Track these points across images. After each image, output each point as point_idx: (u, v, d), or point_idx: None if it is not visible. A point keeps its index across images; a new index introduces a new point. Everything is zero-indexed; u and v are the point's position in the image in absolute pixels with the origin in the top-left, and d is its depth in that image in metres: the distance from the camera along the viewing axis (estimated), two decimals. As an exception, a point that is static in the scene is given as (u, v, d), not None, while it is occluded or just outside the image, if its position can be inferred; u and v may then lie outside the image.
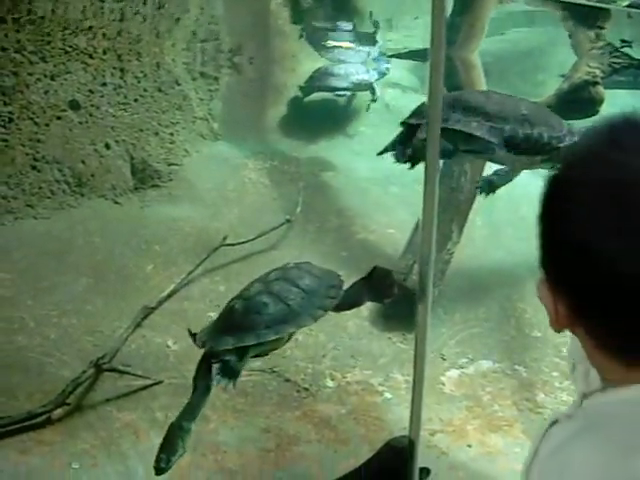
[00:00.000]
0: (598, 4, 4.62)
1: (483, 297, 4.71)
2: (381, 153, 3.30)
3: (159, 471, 2.47)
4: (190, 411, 2.62)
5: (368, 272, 2.99)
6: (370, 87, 6.95)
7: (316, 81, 6.89)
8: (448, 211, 4.39)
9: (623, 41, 4.69)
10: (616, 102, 7.74)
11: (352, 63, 7.08)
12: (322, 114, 6.88)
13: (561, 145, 2.95)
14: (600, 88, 4.70)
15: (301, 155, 6.19)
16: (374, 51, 7.15)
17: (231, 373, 2.65)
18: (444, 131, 2.94)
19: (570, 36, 5.00)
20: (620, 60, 4.91)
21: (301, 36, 7.04)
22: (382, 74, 7.11)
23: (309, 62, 7.29)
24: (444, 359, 4.26)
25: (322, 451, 3.57)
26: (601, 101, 4.66)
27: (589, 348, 1.08)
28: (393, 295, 3.02)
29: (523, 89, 6.96)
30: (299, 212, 5.32)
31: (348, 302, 3.00)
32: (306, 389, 3.93)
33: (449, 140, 2.95)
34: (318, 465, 3.46)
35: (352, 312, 4.55)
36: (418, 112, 3.15)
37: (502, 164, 3.40)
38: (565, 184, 1.02)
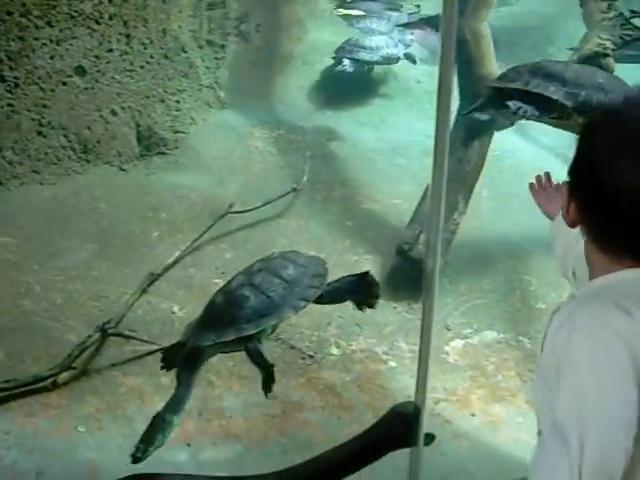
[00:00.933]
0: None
1: (488, 268, 4.70)
2: (469, 113, 3.84)
3: (135, 460, 2.48)
4: (174, 404, 2.61)
5: (359, 274, 2.97)
6: (397, 59, 6.92)
7: (346, 53, 6.80)
8: (454, 182, 4.37)
9: (633, 11, 4.62)
10: (626, 75, 7.71)
11: (381, 35, 6.98)
12: (350, 84, 6.84)
13: None
14: (610, 60, 4.64)
15: (307, 124, 6.16)
16: (400, 21, 7.06)
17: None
18: (525, 94, 3.29)
19: (581, 6, 4.95)
20: (631, 32, 4.85)
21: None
22: (407, 45, 7.02)
23: (316, 30, 7.24)
24: (448, 329, 4.27)
25: (326, 417, 3.60)
26: (611, 72, 4.61)
27: (588, 246, 1.39)
28: (373, 306, 3.03)
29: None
30: (305, 181, 5.30)
31: (331, 296, 2.97)
32: (311, 356, 3.94)
33: (528, 103, 3.31)
34: (322, 431, 3.49)
35: (358, 281, 4.59)
36: (503, 76, 3.61)
37: (573, 132, 3.57)
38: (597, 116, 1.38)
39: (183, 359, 2.68)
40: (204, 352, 2.68)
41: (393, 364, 3.98)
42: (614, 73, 4.65)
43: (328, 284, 2.89)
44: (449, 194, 4.40)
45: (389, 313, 4.33)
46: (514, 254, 4.88)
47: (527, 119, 3.61)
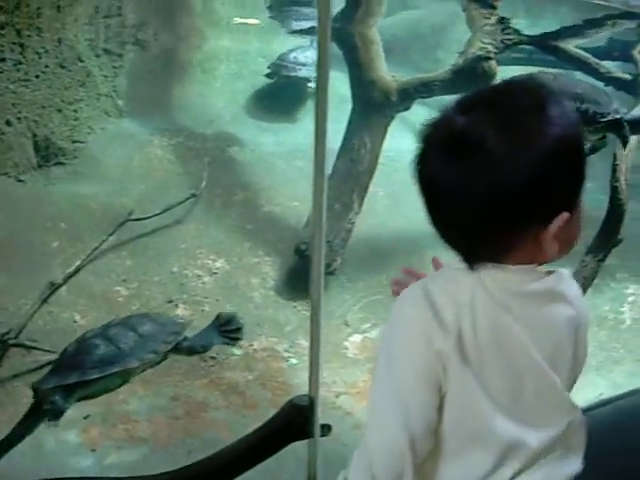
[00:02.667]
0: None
1: (385, 264, 4.87)
2: None
3: None
4: (6, 442, 2.72)
5: (214, 318, 3.25)
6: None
7: (282, 70, 6.73)
8: (349, 182, 4.54)
9: (502, 19, 4.87)
10: (510, 74, 8.06)
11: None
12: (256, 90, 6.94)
13: (604, 119, 3.69)
14: (493, 63, 4.86)
15: (207, 131, 6.23)
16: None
17: (54, 412, 2.77)
18: None
19: (465, 12, 5.17)
20: (512, 36, 5.10)
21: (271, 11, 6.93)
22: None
23: (215, 38, 7.30)
24: (348, 325, 4.43)
25: (230, 416, 3.69)
26: (493, 75, 4.84)
27: None
28: (240, 337, 3.26)
29: (424, 66, 7.14)
30: (204, 187, 5.37)
31: (199, 345, 3.16)
32: (213, 358, 4.02)
33: None
34: (226, 430, 3.57)
35: (258, 282, 4.71)
36: None
37: None
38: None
39: (32, 404, 2.78)
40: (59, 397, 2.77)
41: (294, 361, 4.10)
42: (495, 76, 4.90)
43: (190, 337, 3.07)
44: (344, 194, 4.57)
45: (289, 312, 4.46)
46: (410, 250, 5.05)
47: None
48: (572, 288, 1.34)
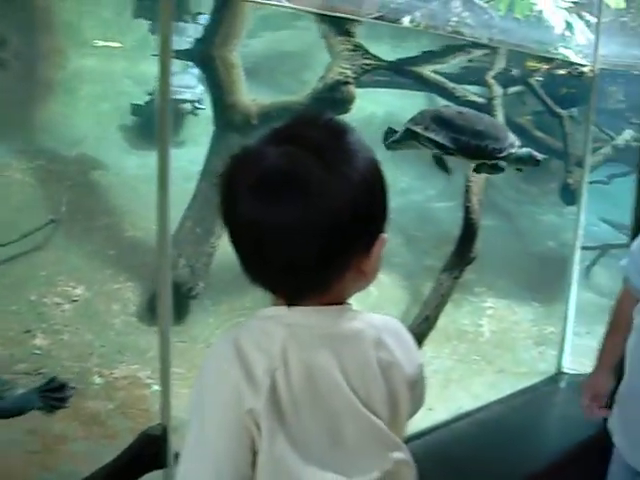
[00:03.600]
0: (343, 14, 4.92)
1: (248, 287, 4.86)
2: (389, 146, 4.26)
3: None
4: None
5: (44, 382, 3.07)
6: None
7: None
8: (210, 206, 4.54)
9: (359, 45, 5.02)
10: (377, 98, 8.30)
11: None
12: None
13: (501, 154, 4.04)
14: (351, 87, 4.99)
15: (70, 153, 6.09)
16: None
17: None
18: (424, 137, 4.04)
19: (324, 38, 5.29)
20: (370, 62, 5.25)
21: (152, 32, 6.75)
22: None
23: (79, 58, 7.15)
24: (211, 348, 4.42)
25: (90, 447, 3.61)
26: (352, 100, 4.97)
27: None
28: (65, 405, 3.10)
29: (290, 87, 7.24)
30: (65, 211, 5.24)
31: (16, 407, 3.01)
32: (73, 388, 3.92)
33: (423, 142, 4.07)
34: (85, 462, 3.48)
35: (119, 308, 4.64)
36: (414, 118, 4.17)
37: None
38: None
39: None
40: None
41: (157, 387, 4.04)
42: (354, 100, 5.03)
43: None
44: (206, 218, 4.58)
45: (152, 338, 4.39)
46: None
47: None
48: (390, 331, 1.33)
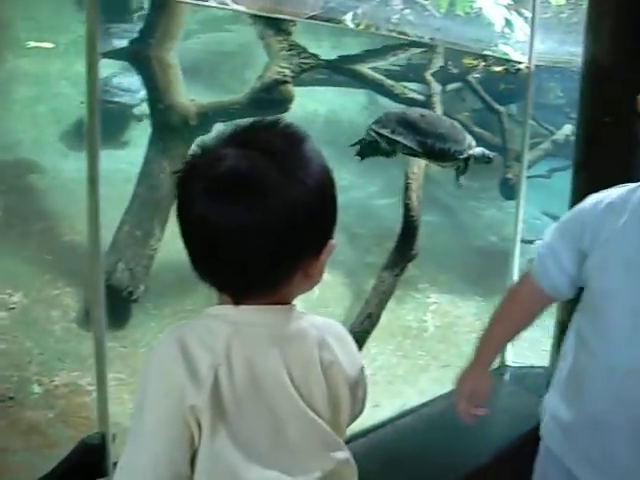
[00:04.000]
0: (279, 15, 4.91)
1: (190, 289, 4.82)
2: (358, 153, 4.34)
3: None
4: None
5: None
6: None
7: (105, 95, 6.32)
8: (149, 208, 4.49)
9: (297, 44, 5.01)
10: (318, 96, 8.33)
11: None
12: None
13: (462, 156, 4.15)
14: (289, 87, 4.97)
15: (5, 157, 5.95)
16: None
17: None
18: (389, 138, 4.16)
19: (261, 38, 5.27)
20: (308, 61, 5.24)
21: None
22: None
23: (13, 60, 7.00)
24: (154, 352, 4.36)
25: (31, 458, 3.52)
26: (291, 99, 4.95)
27: None
28: None
29: (232, 86, 7.20)
30: (0, 216, 5.12)
31: None
32: (11, 398, 3.84)
33: (391, 145, 4.15)
34: (26, 473, 3.41)
35: (58, 315, 4.55)
36: (379, 120, 4.26)
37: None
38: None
39: None
40: None
41: (98, 394, 3.99)
42: (293, 99, 5.02)
43: None
44: (145, 221, 4.52)
45: (92, 344, 4.33)
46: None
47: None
48: (333, 333, 1.35)
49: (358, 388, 1.39)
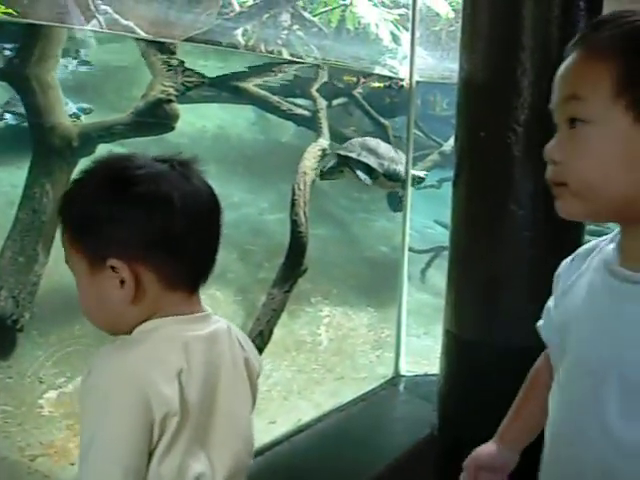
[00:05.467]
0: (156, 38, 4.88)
1: (77, 314, 4.69)
2: (322, 176, 5.14)
3: None
4: None
5: None
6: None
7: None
8: (32, 233, 4.34)
9: (181, 62, 4.99)
10: (207, 113, 8.28)
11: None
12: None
13: (398, 175, 4.94)
14: (174, 105, 4.92)
15: None
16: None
17: None
18: (357, 161, 5.10)
19: (144, 57, 5.20)
20: (193, 79, 5.21)
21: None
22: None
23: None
24: (42, 382, 4.22)
25: None
26: (176, 117, 4.90)
27: None
28: None
29: (119, 104, 7.06)
30: None
31: None
32: None
33: (358, 167, 5.09)
34: None
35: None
36: (346, 147, 5.19)
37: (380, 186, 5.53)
38: None
39: None
40: None
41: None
42: (178, 117, 4.96)
43: None
44: (28, 246, 4.37)
45: (-24, 377, 4.17)
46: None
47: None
48: (237, 331, 1.44)
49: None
